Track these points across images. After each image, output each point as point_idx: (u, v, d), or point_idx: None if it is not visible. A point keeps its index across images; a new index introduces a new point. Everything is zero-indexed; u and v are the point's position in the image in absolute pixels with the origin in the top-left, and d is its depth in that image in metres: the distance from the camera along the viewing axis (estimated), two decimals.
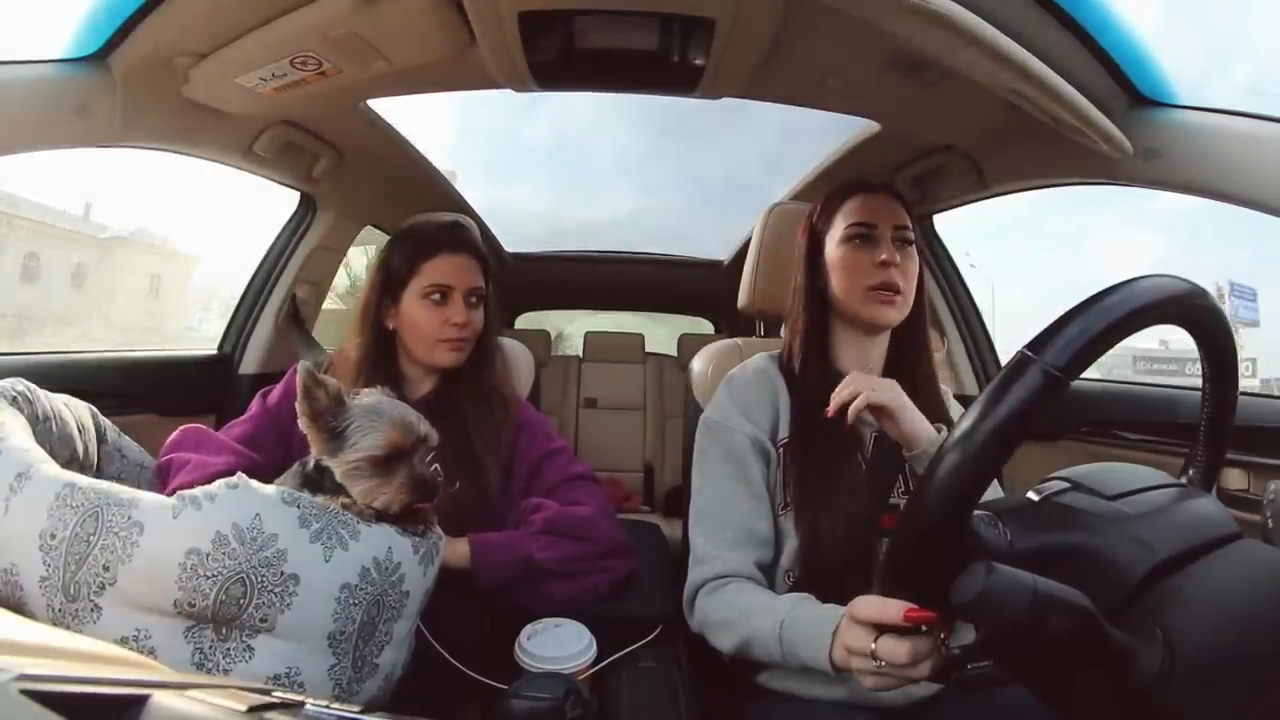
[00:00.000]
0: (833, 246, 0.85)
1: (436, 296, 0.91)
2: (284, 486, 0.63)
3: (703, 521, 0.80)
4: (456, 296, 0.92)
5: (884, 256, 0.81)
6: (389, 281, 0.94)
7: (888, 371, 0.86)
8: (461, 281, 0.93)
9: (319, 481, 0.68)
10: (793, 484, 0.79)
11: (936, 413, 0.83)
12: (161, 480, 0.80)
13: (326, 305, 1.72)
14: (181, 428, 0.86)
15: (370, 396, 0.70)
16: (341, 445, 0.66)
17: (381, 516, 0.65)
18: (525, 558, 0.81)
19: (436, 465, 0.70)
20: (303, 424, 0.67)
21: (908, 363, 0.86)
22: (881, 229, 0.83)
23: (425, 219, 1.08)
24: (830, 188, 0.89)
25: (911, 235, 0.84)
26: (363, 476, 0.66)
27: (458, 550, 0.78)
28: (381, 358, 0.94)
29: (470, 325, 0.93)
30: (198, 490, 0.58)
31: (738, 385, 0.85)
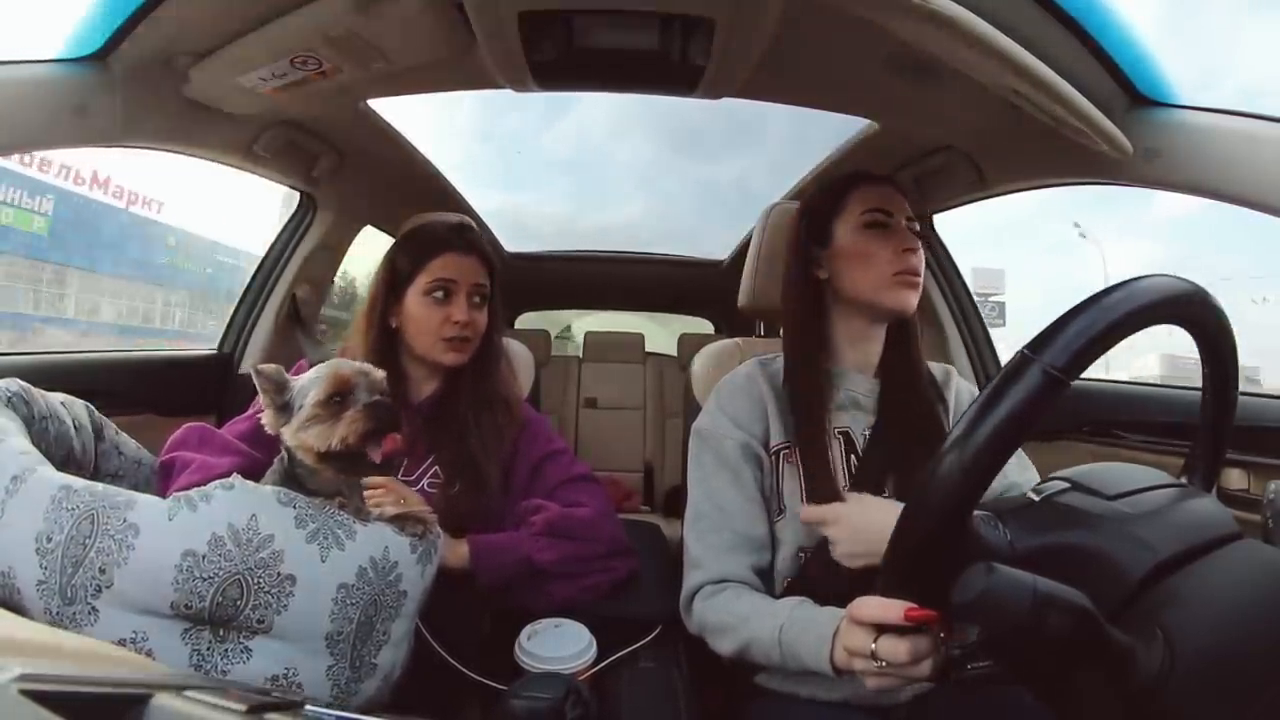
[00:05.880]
0: (846, 233, 0.83)
1: (440, 294, 0.92)
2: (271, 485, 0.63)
3: (697, 526, 0.80)
4: (460, 294, 0.92)
5: (908, 244, 0.81)
6: (394, 280, 0.94)
7: (884, 365, 0.86)
8: (466, 279, 0.93)
9: (293, 473, 0.68)
10: (780, 488, 0.79)
11: (926, 403, 0.83)
12: (164, 479, 0.80)
13: None
14: (185, 426, 0.86)
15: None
16: (291, 415, 0.68)
17: (348, 464, 0.66)
18: (525, 559, 0.81)
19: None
20: (266, 414, 0.69)
21: (902, 357, 0.86)
22: (898, 217, 0.82)
23: (431, 219, 1.08)
24: (835, 179, 0.88)
25: (919, 228, 0.84)
26: (315, 423, 0.66)
27: (458, 551, 0.78)
28: (385, 357, 0.94)
29: (473, 325, 0.93)
30: (193, 491, 0.58)
31: (726, 393, 0.85)
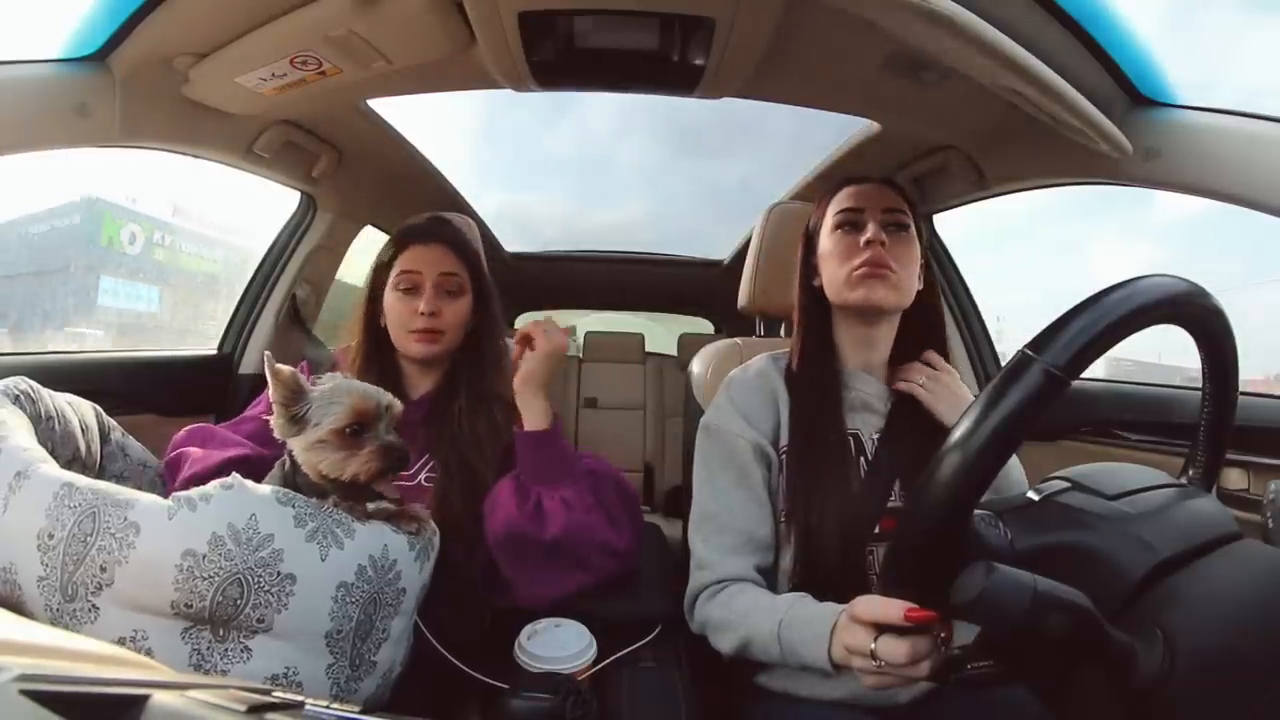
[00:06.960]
0: (824, 239, 0.84)
1: (406, 286, 0.92)
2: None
3: (703, 527, 0.79)
4: (426, 285, 0.92)
5: (869, 236, 0.78)
6: (377, 280, 0.96)
7: (892, 368, 0.85)
8: (431, 270, 0.92)
9: (294, 479, 0.68)
10: (788, 488, 0.78)
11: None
12: (171, 476, 0.80)
13: None
14: (189, 427, 0.86)
15: (329, 381, 0.70)
16: (303, 428, 0.66)
17: (352, 492, 0.65)
18: (578, 475, 0.82)
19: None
20: (276, 420, 0.68)
21: (911, 360, 0.83)
22: (869, 212, 0.81)
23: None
24: (828, 187, 0.88)
25: (905, 219, 0.81)
26: (328, 450, 0.65)
27: (538, 409, 0.82)
28: (377, 355, 0.95)
29: (441, 315, 0.92)
30: (193, 491, 0.58)
31: (738, 388, 0.84)
